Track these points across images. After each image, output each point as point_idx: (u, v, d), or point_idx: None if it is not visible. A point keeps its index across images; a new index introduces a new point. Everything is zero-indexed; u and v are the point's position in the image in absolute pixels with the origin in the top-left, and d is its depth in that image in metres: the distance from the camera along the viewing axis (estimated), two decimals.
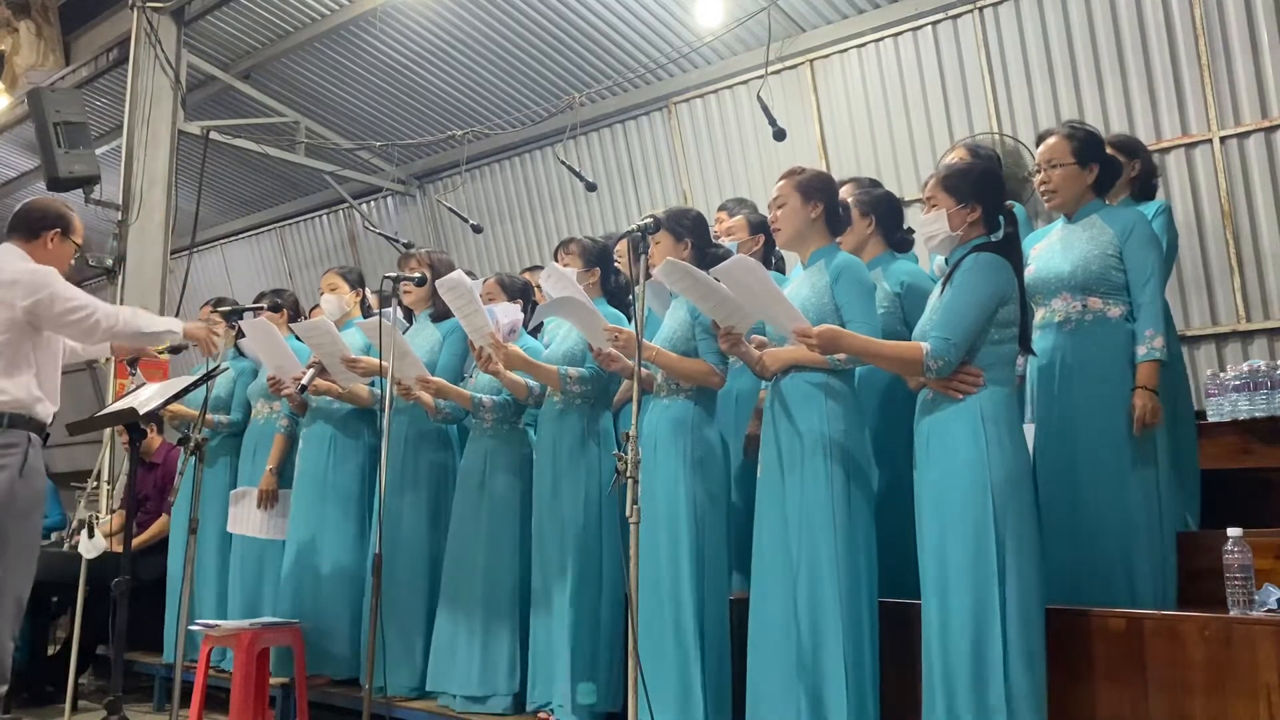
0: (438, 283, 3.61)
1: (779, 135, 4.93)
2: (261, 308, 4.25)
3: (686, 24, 6.00)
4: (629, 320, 3.47)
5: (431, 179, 8.20)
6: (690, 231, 3.35)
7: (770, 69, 5.79)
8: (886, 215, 3.48)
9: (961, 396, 2.64)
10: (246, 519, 4.43)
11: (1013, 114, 5.32)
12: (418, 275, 3.98)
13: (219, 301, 5.00)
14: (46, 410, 3.39)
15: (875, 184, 3.78)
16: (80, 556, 4.26)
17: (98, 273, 6.61)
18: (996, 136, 5.20)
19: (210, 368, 3.83)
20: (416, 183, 8.28)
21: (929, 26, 5.48)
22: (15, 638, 3.32)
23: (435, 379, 3.81)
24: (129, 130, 6.70)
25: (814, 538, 2.79)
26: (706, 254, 3.36)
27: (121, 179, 6.66)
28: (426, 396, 3.89)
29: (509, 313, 3.71)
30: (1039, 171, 3.16)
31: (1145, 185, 3.55)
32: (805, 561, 2.79)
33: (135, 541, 4.87)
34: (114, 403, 4.21)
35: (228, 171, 8.77)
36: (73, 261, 3.60)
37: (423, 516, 4.00)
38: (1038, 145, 3.21)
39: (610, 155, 6.94)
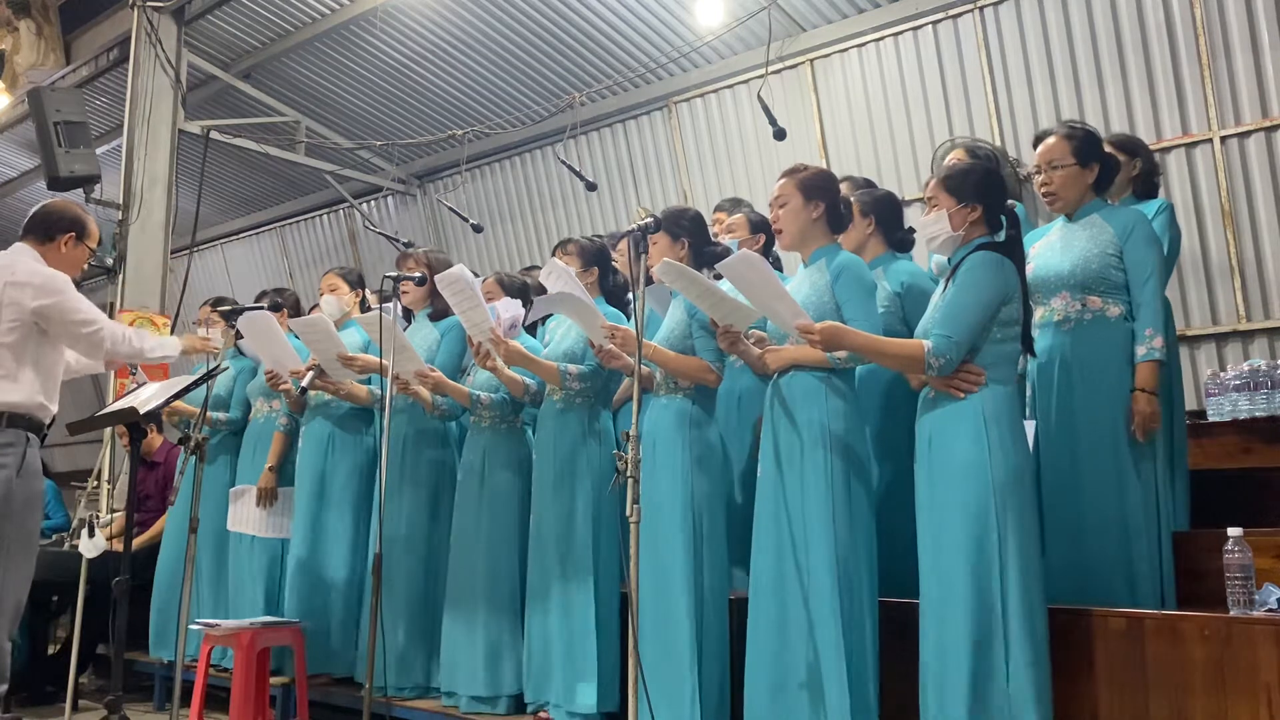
0: (437, 278, 3.61)
1: (779, 135, 4.93)
2: (261, 307, 4.25)
3: (686, 24, 6.00)
4: (628, 319, 3.47)
5: (432, 178, 8.20)
6: (687, 231, 3.35)
7: (770, 69, 5.79)
8: (886, 215, 3.48)
9: (963, 395, 2.64)
10: (246, 517, 4.43)
11: (1013, 114, 5.33)
12: (417, 275, 3.98)
13: (219, 301, 5.00)
14: (47, 412, 3.40)
15: (870, 184, 3.78)
16: (80, 556, 4.26)
17: (98, 272, 6.60)
18: (991, 147, 5.20)
19: (210, 367, 3.83)
20: (417, 182, 8.28)
21: (929, 26, 5.48)
22: (14, 638, 3.32)
23: (434, 373, 3.82)
24: (129, 130, 6.70)
25: (813, 533, 2.78)
26: (704, 253, 3.36)
27: (122, 178, 6.66)
28: (424, 392, 3.89)
29: (510, 307, 3.72)
30: (1038, 172, 3.16)
31: (1147, 184, 3.55)
32: (804, 558, 2.79)
33: (137, 541, 4.88)
34: (114, 402, 4.21)
35: (228, 171, 8.78)
36: (85, 266, 3.62)
37: (422, 515, 3.99)
38: (1035, 146, 3.20)
39: (610, 155, 6.94)
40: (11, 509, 3.22)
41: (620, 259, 3.79)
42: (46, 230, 3.49)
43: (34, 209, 3.57)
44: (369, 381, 4.24)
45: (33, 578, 3.34)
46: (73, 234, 3.51)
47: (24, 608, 3.33)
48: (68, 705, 4.29)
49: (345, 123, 7.88)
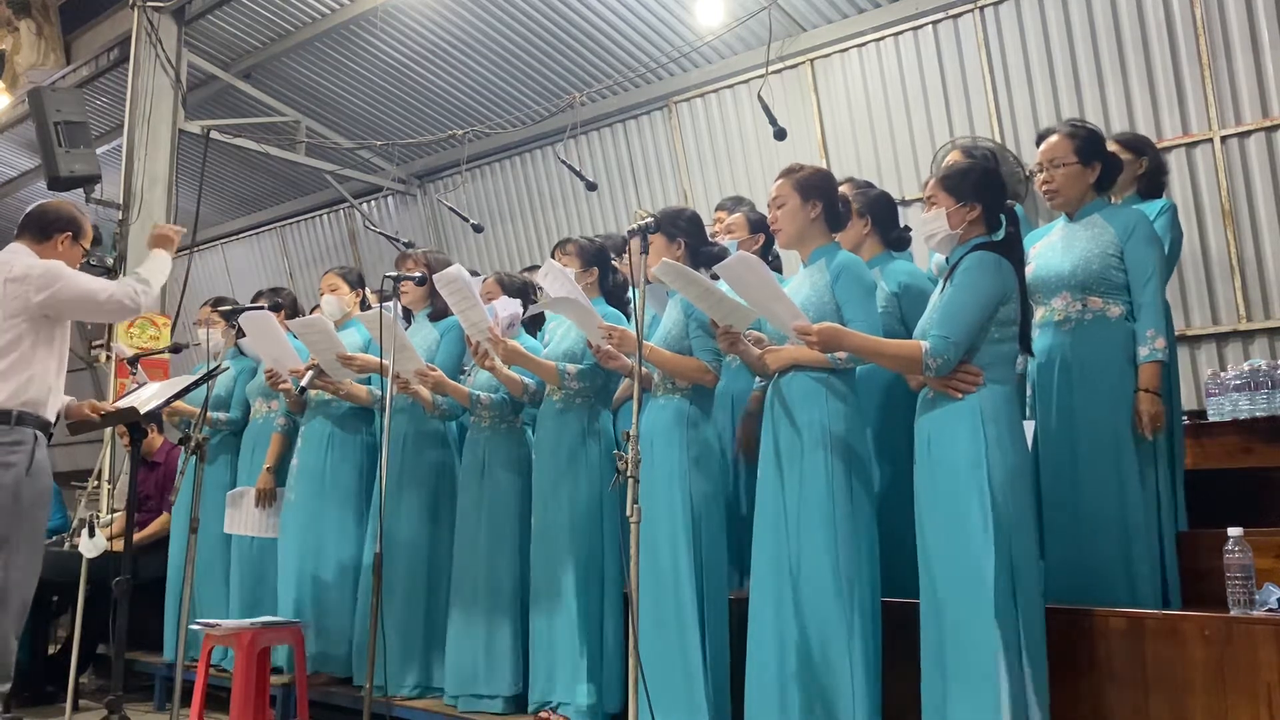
0: (435, 277, 3.62)
1: (779, 135, 4.92)
2: (261, 307, 4.25)
3: (687, 23, 6.00)
4: (628, 320, 3.47)
5: (432, 178, 8.20)
6: (684, 232, 3.34)
7: (771, 68, 5.79)
8: (882, 215, 3.49)
9: (961, 395, 2.63)
10: (244, 519, 4.43)
11: (1013, 114, 5.32)
12: (417, 275, 3.98)
13: (219, 301, 5.00)
14: (53, 409, 3.41)
15: (869, 185, 3.79)
16: (81, 556, 4.26)
17: (98, 272, 6.61)
18: (995, 144, 5.20)
19: (211, 367, 3.83)
20: (417, 182, 8.28)
21: (929, 26, 5.48)
22: (20, 636, 3.32)
23: (435, 372, 3.81)
24: (129, 129, 6.71)
25: (813, 532, 2.78)
26: (700, 253, 3.36)
27: (122, 178, 6.66)
28: (425, 391, 3.89)
29: (508, 306, 3.72)
30: (1040, 171, 3.16)
31: (1153, 183, 3.55)
32: (804, 558, 2.79)
33: (135, 538, 4.88)
34: (115, 402, 4.21)
35: (228, 171, 8.78)
36: (78, 266, 3.63)
37: (422, 515, 3.99)
38: (1038, 144, 3.20)
39: (610, 155, 6.94)
40: (21, 507, 3.24)
41: (621, 261, 3.79)
42: (43, 229, 3.51)
43: (30, 208, 3.58)
44: (369, 381, 4.24)
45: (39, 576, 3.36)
46: (69, 233, 3.54)
47: (29, 606, 3.34)
48: (68, 705, 4.29)
49: (345, 123, 7.88)
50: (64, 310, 3.38)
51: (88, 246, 3.64)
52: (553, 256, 3.83)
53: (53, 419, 3.43)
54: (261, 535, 4.43)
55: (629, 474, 2.53)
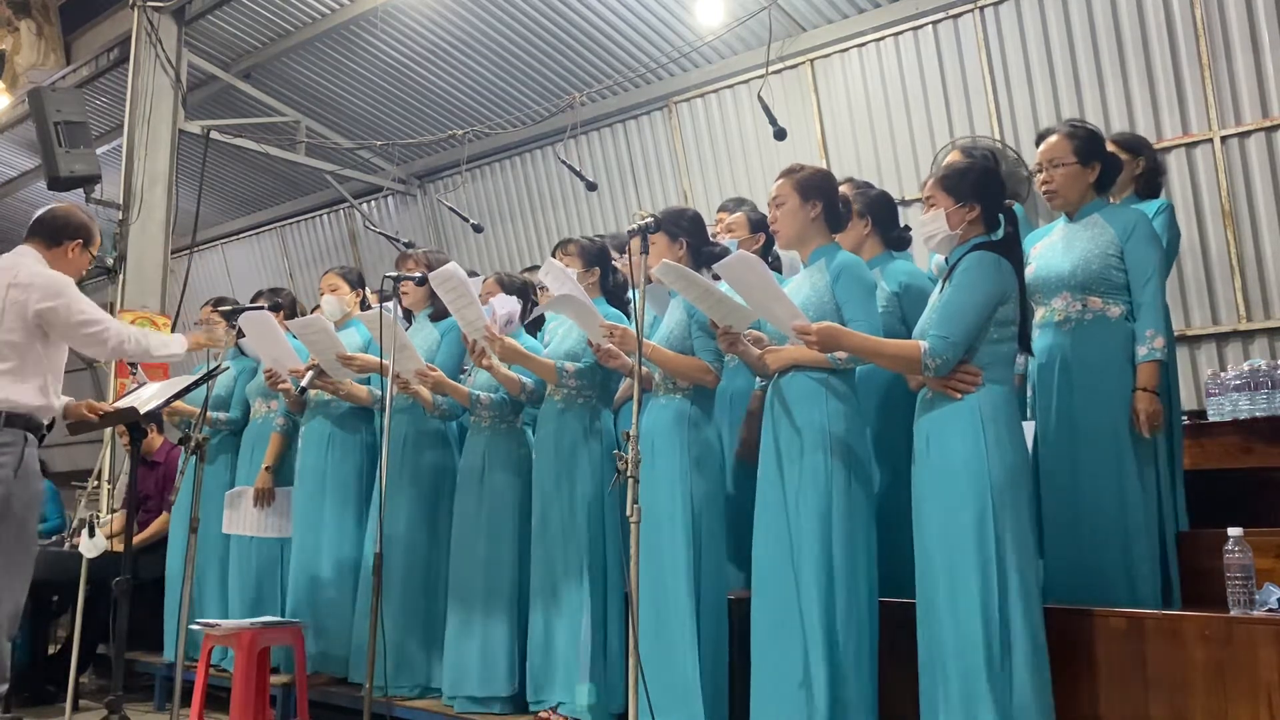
0: (431, 276, 3.62)
1: (779, 135, 4.92)
2: (261, 307, 4.25)
3: (687, 24, 6.00)
4: (629, 319, 3.47)
5: (432, 178, 8.21)
6: (686, 232, 3.34)
7: (771, 68, 5.79)
8: (882, 215, 3.48)
9: (960, 395, 2.64)
10: (243, 519, 4.43)
11: (1013, 114, 5.33)
12: (417, 275, 3.98)
13: (219, 301, 5.00)
14: (47, 412, 3.40)
15: (868, 185, 3.79)
16: (81, 556, 4.26)
17: (98, 272, 6.61)
18: (999, 144, 5.20)
19: (211, 367, 3.84)
20: (417, 182, 8.29)
21: (929, 26, 5.48)
22: (14, 638, 3.31)
23: (435, 372, 3.81)
24: (129, 130, 6.71)
25: (813, 533, 2.78)
26: (702, 253, 3.36)
27: (122, 178, 6.67)
28: (425, 391, 3.89)
29: (505, 304, 3.72)
30: (1040, 171, 3.16)
31: (1150, 183, 3.55)
32: (805, 558, 2.78)
33: (135, 538, 4.88)
34: (115, 402, 4.21)
35: (228, 171, 8.79)
36: (85, 273, 3.63)
37: (421, 516, 3.99)
38: (1038, 144, 3.20)
39: (610, 155, 6.94)
40: (11, 509, 3.22)
41: (622, 260, 3.79)
42: (54, 235, 3.49)
43: (41, 212, 3.55)
44: (369, 381, 4.24)
45: (32, 578, 3.34)
46: (80, 241, 3.53)
47: (23, 608, 3.33)
48: (68, 705, 4.29)
49: (345, 123, 7.88)
50: (56, 326, 3.35)
51: (95, 254, 3.63)
52: (553, 257, 3.83)
53: (46, 421, 3.42)
54: (260, 535, 4.43)
55: (629, 474, 2.53)
